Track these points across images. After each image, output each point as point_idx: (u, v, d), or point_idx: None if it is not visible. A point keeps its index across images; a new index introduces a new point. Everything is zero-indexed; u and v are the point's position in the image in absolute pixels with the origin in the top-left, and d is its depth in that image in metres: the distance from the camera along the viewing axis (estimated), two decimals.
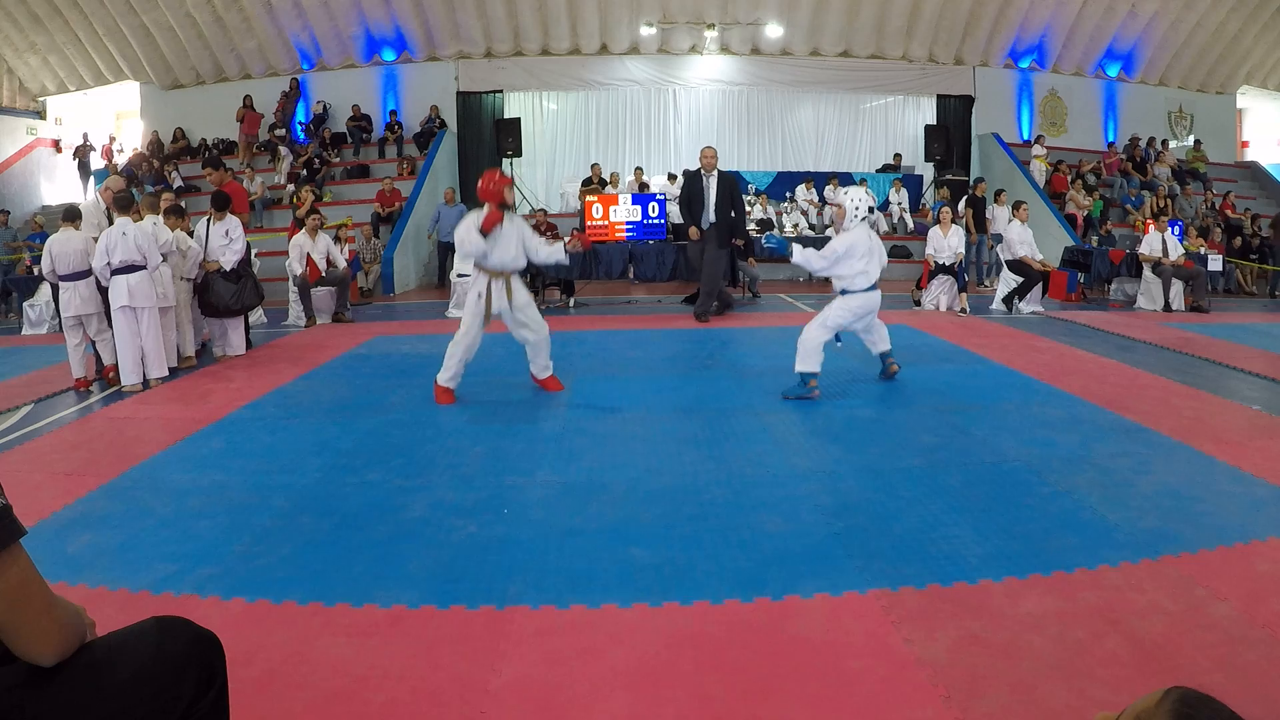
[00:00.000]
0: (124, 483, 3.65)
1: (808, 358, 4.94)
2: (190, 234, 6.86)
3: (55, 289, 8.46)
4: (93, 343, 6.03)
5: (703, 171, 8.12)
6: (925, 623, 2.32)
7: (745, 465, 3.74)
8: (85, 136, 15.28)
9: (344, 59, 15.00)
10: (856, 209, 5.07)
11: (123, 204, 5.82)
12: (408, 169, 13.92)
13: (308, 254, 8.63)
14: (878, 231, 5.32)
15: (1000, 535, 2.93)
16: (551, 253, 5.20)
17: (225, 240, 6.64)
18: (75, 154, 15.17)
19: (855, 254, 4.98)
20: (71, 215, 6.11)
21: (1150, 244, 9.63)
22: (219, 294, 6.58)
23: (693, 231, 8.26)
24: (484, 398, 5.13)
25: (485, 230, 4.84)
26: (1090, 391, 5.09)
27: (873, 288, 5.11)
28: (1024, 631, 2.26)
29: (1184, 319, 8.66)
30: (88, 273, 5.87)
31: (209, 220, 6.74)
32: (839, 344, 5.25)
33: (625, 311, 9.24)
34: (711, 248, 8.11)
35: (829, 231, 13.09)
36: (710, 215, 8.07)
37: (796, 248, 5.06)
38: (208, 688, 1.28)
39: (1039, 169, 14.21)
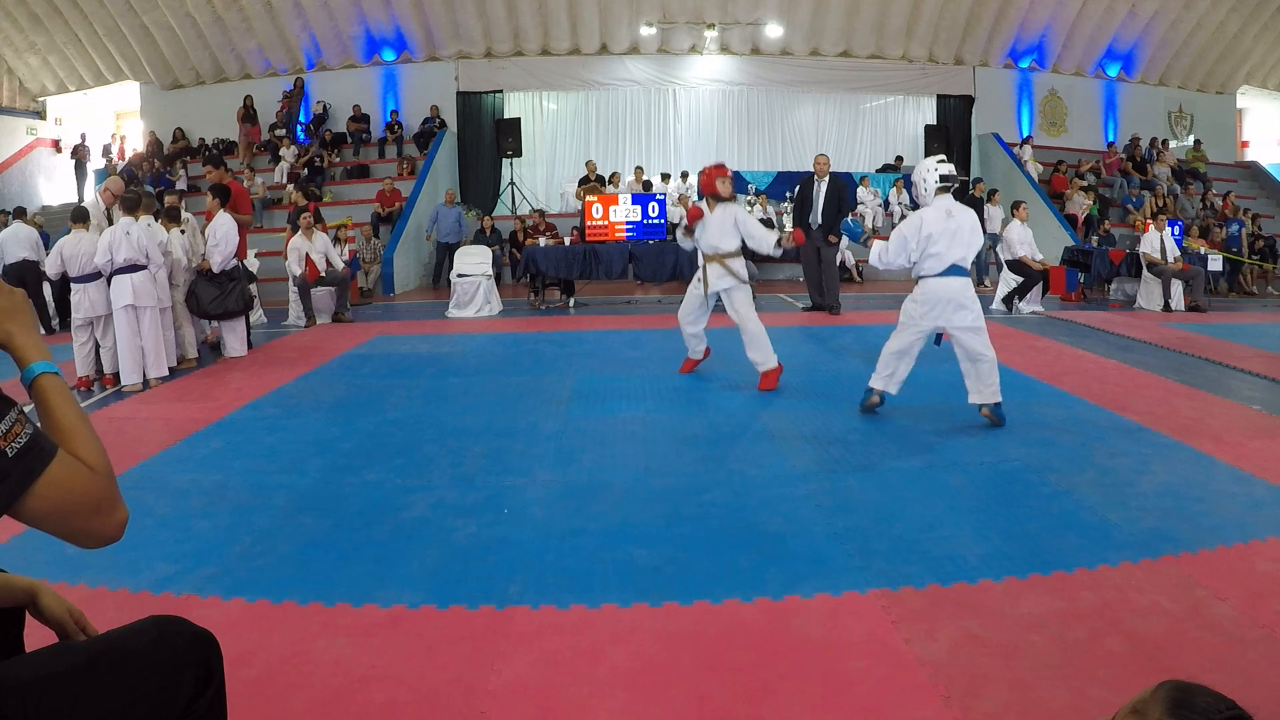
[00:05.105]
0: (124, 483, 3.59)
1: (878, 372, 4.49)
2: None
3: (56, 289, 8.49)
4: (97, 346, 5.95)
5: (815, 176, 8.76)
6: (925, 623, 2.32)
7: (745, 465, 3.74)
8: (83, 137, 15.28)
9: (344, 59, 15.01)
10: (925, 182, 4.33)
11: (128, 204, 5.81)
12: (408, 169, 13.92)
13: (306, 254, 8.63)
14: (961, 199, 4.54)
15: (1000, 535, 2.93)
16: (763, 240, 5.34)
17: (214, 241, 6.57)
18: (73, 154, 15.16)
19: (925, 233, 4.21)
20: (80, 217, 6.08)
21: (1150, 243, 9.64)
22: (198, 296, 6.50)
23: (798, 234, 8.86)
24: (485, 396, 5.13)
25: (689, 224, 5.38)
26: (1090, 391, 5.09)
27: (950, 272, 4.22)
28: (1024, 631, 2.26)
29: (1183, 319, 8.66)
30: (100, 274, 5.83)
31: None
32: (938, 344, 4.47)
33: (625, 311, 9.25)
34: (825, 248, 8.74)
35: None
36: (818, 217, 8.68)
37: (875, 244, 4.40)
38: (205, 687, 1.27)
39: (1031, 170, 14.23)
